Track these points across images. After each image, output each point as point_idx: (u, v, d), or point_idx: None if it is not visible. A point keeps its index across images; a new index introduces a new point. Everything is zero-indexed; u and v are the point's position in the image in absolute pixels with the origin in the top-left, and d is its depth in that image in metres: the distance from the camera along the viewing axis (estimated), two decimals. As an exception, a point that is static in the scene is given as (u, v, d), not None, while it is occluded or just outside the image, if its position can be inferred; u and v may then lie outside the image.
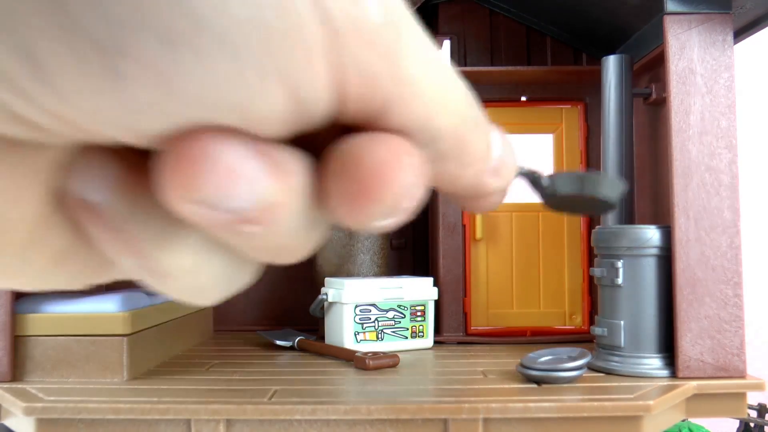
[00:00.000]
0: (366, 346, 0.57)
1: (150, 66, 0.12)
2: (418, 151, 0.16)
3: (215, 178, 0.13)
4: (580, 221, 0.64)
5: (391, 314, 0.58)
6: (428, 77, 0.15)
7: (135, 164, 0.15)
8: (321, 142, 0.16)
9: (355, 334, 0.57)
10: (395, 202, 0.15)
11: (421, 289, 0.59)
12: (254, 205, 0.14)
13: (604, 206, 0.42)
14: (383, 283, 0.58)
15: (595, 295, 0.62)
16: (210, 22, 0.12)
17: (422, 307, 0.60)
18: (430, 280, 0.60)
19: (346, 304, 0.57)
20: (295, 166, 0.15)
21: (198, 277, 0.17)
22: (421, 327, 0.59)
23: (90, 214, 0.16)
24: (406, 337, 0.59)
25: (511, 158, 0.22)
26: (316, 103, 0.14)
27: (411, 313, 0.59)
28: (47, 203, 0.15)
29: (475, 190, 0.20)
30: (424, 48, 0.15)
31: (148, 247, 0.16)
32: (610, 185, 0.39)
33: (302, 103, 0.14)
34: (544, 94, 0.64)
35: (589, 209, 0.47)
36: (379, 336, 0.58)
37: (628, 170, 0.53)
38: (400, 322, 0.58)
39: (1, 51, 0.11)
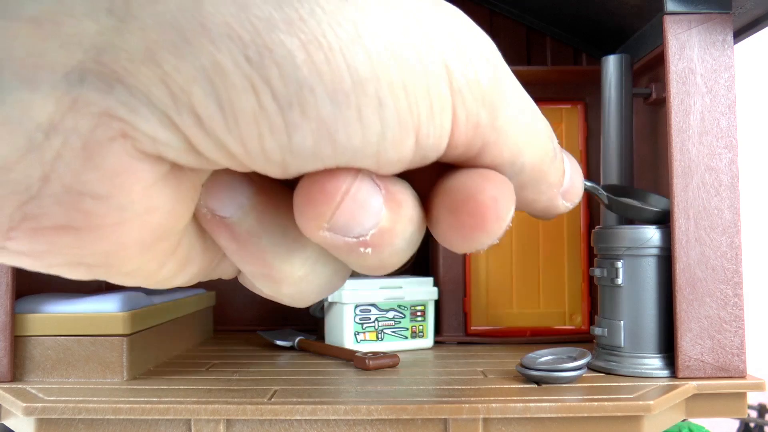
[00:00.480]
0: (366, 346, 0.56)
1: (319, 120, 0.14)
2: (510, 183, 0.19)
3: (348, 211, 0.16)
4: (579, 221, 0.64)
5: (391, 314, 0.58)
6: (519, 122, 0.18)
7: (263, 185, 0.18)
8: (413, 172, 0.19)
9: (355, 334, 0.57)
10: (501, 230, 0.18)
11: (421, 289, 0.59)
12: (374, 232, 0.16)
13: (653, 216, 0.47)
14: (383, 283, 0.58)
15: (595, 295, 0.62)
16: (369, 84, 0.15)
17: (422, 307, 0.59)
18: (430, 280, 0.60)
19: (346, 304, 0.57)
20: (406, 198, 0.18)
21: (307, 285, 0.20)
22: (421, 327, 0.59)
23: (222, 227, 0.18)
24: (406, 337, 0.59)
25: (579, 182, 0.25)
26: (436, 149, 0.16)
27: (411, 313, 0.59)
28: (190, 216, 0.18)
29: (546, 211, 0.23)
30: (517, 97, 0.18)
31: (269, 258, 0.18)
32: (657, 200, 0.46)
33: (425, 150, 0.16)
34: (544, 94, 0.64)
35: (640, 217, 0.51)
36: (379, 336, 0.58)
37: (628, 170, 0.53)
38: (400, 322, 0.58)
39: (208, 102, 0.14)
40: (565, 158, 0.24)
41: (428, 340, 0.60)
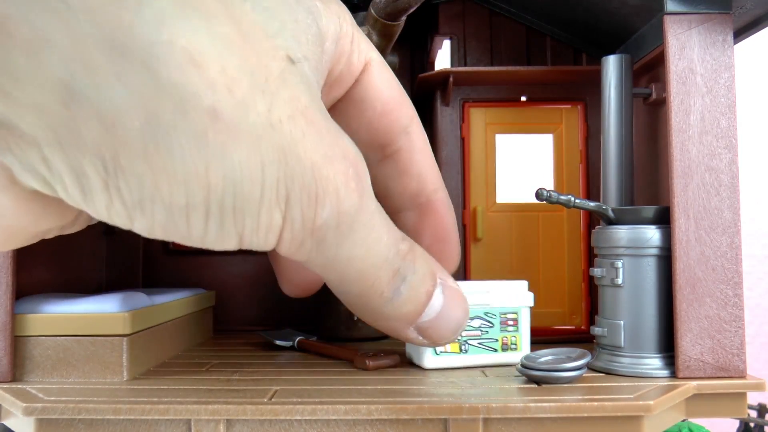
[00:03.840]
0: (447, 359, 0.50)
1: (153, 219, 0.18)
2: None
3: None
4: (579, 221, 0.64)
5: (477, 323, 0.51)
6: (346, 261, 0.21)
7: None
8: None
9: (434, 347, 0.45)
10: None
11: (513, 294, 0.51)
12: None
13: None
14: (468, 287, 0.50)
15: (595, 295, 0.62)
16: (201, 205, 0.18)
17: (514, 315, 0.51)
18: (525, 283, 0.52)
19: None
20: None
21: None
22: (514, 338, 0.51)
23: None
24: (496, 350, 0.51)
25: (451, 323, 0.26)
26: (260, 248, 0.20)
27: (501, 322, 0.51)
28: None
29: (396, 336, 0.25)
30: (361, 240, 0.21)
31: None
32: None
33: (250, 246, 0.20)
34: (544, 94, 0.64)
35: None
36: (463, 348, 0.50)
37: (628, 170, 0.53)
38: (487, 332, 0.51)
39: (74, 193, 0.18)
40: (440, 295, 0.24)
41: (521, 354, 0.51)
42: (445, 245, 0.29)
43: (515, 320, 0.51)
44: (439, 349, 0.48)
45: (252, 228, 0.18)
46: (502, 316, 0.51)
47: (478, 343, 0.50)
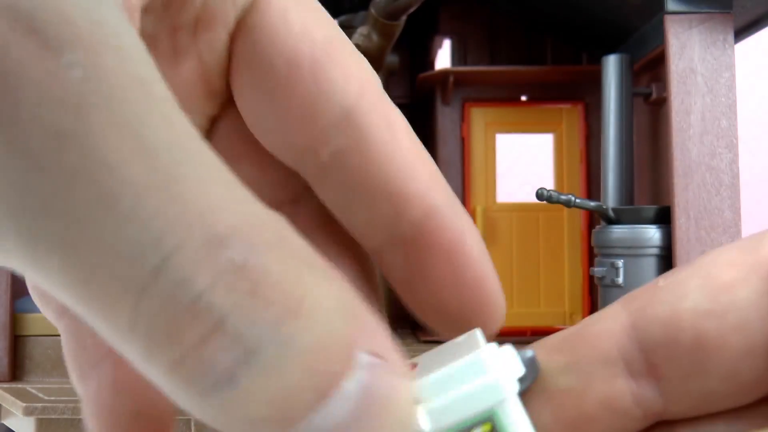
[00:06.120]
0: None
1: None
2: None
3: None
4: (580, 221, 0.64)
5: None
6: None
7: None
8: None
9: None
10: None
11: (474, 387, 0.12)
12: None
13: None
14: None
15: (595, 295, 0.62)
16: None
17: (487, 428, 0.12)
18: (504, 350, 0.13)
19: None
20: None
21: None
22: None
23: None
24: None
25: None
26: None
27: None
28: None
29: None
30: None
31: None
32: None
33: None
34: (544, 94, 0.64)
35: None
36: None
37: (628, 170, 0.53)
38: None
39: None
40: (355, 394, 0.10)
41: None
42: (467, 297, 0.15)
43: None
44: None
45: None
46: None
47: None
